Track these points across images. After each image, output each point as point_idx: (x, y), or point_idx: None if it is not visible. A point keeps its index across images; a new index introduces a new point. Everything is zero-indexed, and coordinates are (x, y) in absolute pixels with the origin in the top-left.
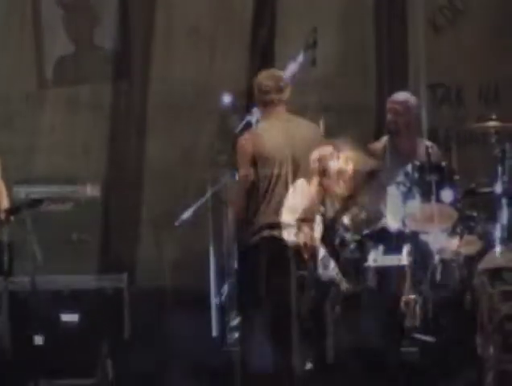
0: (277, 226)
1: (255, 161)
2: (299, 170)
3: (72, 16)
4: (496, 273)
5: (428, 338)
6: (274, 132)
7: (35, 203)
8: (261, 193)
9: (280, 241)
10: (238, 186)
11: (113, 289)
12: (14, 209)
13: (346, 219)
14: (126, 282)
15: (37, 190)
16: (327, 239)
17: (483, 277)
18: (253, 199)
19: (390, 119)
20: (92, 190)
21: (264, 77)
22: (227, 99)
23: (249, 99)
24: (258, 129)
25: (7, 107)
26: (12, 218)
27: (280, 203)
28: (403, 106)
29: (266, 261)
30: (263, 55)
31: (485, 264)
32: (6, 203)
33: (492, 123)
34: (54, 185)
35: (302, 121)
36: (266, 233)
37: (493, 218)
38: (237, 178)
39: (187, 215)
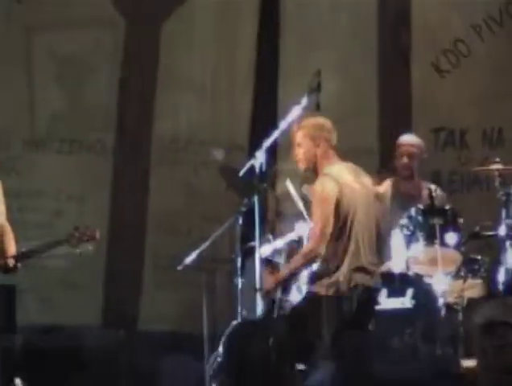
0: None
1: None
2: None
3: (65, 70)
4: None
5: None
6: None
7: (44, 249)
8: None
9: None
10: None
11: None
12: (21, 255)
13: None
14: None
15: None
16: None
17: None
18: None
19: (406, 163)
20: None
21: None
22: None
23: (251, 143)
24: (332, 173)
25: (8, 152)
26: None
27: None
28: (418, 149)
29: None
30: (267, 100)
31: (478, 317)
32: (13, 249)
33: (495, 166)
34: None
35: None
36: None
37: (497, 261)
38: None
39: (189, 259)
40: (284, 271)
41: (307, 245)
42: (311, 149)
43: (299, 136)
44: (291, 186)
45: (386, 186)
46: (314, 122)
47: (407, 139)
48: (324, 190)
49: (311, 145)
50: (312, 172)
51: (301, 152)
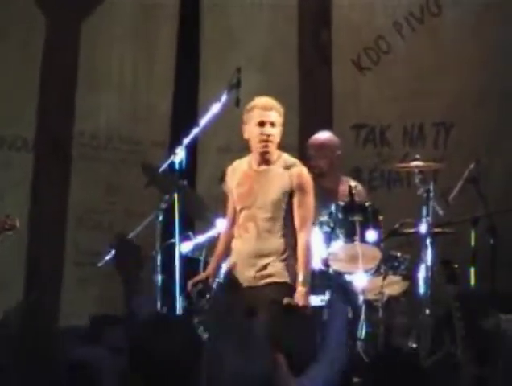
0: None
1: None
2: None
3: None
4: None
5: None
6: None
7: None
8: None
9: None
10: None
11: None
12: None
13: None
14: None
15: None
16: None
17: None
18: None
19: (313, 163)
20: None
21: None
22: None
23: (172, 140)
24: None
25: None
26: None
27: None
28: (325, 148)
29: None
30: (187, 97)
31: None
32: None
33: (415, 163)
34: None
35: None
36: None
37: (417, 258)
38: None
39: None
40: (306, 275)
41: (306, 237)
42: (280, 131)
43: (275, 116)
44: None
45: None
46: (279, 105)
47: (314, 139)
48: (310, 179)
49: (280, 129)
50: (265, 155)
51: (275, 132)
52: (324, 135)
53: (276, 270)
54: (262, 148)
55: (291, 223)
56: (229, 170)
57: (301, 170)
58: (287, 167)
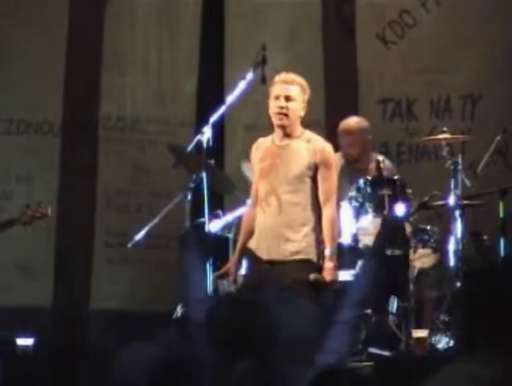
0: None
1: None
2: None
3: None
4: None
5: (384, 353)
6: None
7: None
8: None
9: None
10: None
11: None
12: None
13: None
14: None
15: None
16: None
17: None
18: None
19: (346, 152)
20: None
21: None
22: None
23: (198, 119)
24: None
25: None
26: None
27: None
28: (355, 136)
29: None
30: (213, 76)
31: None
32: None
33: (443, 136)
34: None
35: None
36: None
37: (447, 231)
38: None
39: (139, 236)
40: (333, 248)
41: (331, 210)
42: (301, 107)
43: (295, 90)
44: (247, 169)
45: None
46: (304, 82)
47: (345, 126)
48: (333, 154)
49: (301, 104)
50: (284, 129)
51: (292, 105)
52: (352, 122)
53: (300, 245)
54: (277, 120)
55: (314, 197)
56: (253, 148)
57: (324, 145)
58: (310, 142)
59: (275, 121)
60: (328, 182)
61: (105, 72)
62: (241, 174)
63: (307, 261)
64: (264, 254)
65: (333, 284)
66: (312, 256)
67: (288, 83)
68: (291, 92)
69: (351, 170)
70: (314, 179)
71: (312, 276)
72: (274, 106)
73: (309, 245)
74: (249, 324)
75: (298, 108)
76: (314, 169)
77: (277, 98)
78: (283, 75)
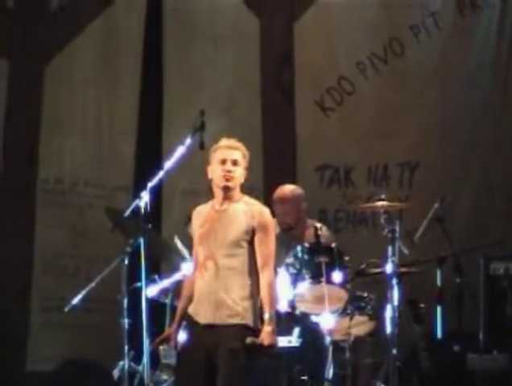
0: None
1: None
2: None
3: None
4: None
5: None
6: None
7: None
8: None
9: None
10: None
11: None
12: None
13: None
14: None
15: None
16: None
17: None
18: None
19: (281, 220)
20: None
21: None
22: None
23: (136, 184)
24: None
25: None
26: None
27: None
28: (290, 204)
29: None
30: (151, 140)
31: None
32: None
33: (381, 203)
34: None
35: None
36: None
37: (384, 298)
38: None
39: (76, 300)
40: (271, 313)
41: (269, 274)
42: (243, 173)
43: (238, 155)
44: (179, 242)
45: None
46: (244, 148)
47: (280, 194)
48: (271, 219)
49: (243, 170)
50: (227, 193)
51: (237, 170)
52: (287, 190)
53: (236, 310)
54: (223, 182)
55: (252, 261)
56: (194, 214)
57: (262, 209)
58: (249, 206)
59: (221, 183)
60: (266, 246)
61: (44, 135)
62: (179, 238)
63: (243, 326)
64: (202, 318)
65: (271, 348)
66: (249, 321)
67: (232, 148)
68: (235, 156)
69: (287, 237)
70: (252, 243)
71: (249, 339)
72: (220, 170)
73: (246, 310)
74: None
75: (241, 173)
76: (251, 233)
77: (223, 162)
78: (227, 141)
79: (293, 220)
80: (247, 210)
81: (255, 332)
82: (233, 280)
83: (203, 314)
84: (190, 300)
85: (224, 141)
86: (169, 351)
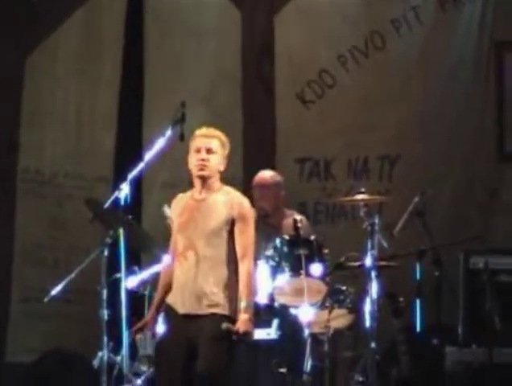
0: None
1: None
2: None
3: None
4: None
5: None
6: None
7: None
8: None
9: None
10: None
11: None
12: None
13: None
14: None
15: None
16: None
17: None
18: None
19: (258, 205)
20: None
21: None
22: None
23: (116, 175)
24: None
25: None
26: None
27: None
28: (269, 189)
29: None
30: (131, 132)
31: None
32: None
33: (360, 196)
34: None
35: None
36: None
37: (363, 291)
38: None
39: (55, 291)
40: (249, 301)
41: (248, 264)
42: (221, 162)
43: (215, 144)
44: (167, 211)
45: None
46: (224, 137)
47: (259, 179)
48: (251, 209)
49: (221, 158)
50: (204, 182)
51: (213, 159)
52: (267, 176)
53: (214, 300)
54: (197, 172)
55: (232, 251)
56: (173, 203)
57: (242, 200)
58: (229, 196)
59: (196, 172)
60: (246, 237)
61: (24, 126)
62: (158, 231)
63: (222, 316)
64: (180, 308)
65: (247, 335)
66: (227, 311)
67: (209, 137)
68: (211, 145)
69: (264, 225)
70: (231, 233)
71: (224, 325)
72: (194, 159)
73: (225, 300)
74: None
75: (218, 161)
76: (231, 223)
77: (198, 151)
78: (204, 130)
79: (271, 207)
80: (227, 200)
81: (234, 322)
82: (213, 270)
83: (182, 304)
84: (167, 289)
85: (202, 130)
86: (146, 341)
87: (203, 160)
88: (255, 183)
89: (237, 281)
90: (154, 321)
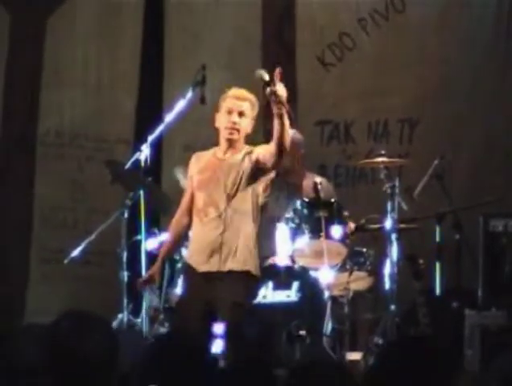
0: None
1: None
2: None
3: None
4: None
5: None
6: None
7: None
8: None
9: None
10: None
11: None
12: None
13: None
14: None
15: None
16: None
17: None
18: None
19: None
20: None
21: None
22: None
23: (137, 137)
24: None
25: None
26: None
27: None
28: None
29: None
30: (152, 94)
31: None
32: None
33: (380, 159)
34: None
35: None
36: None
37: (383, 254)
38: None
39: (75, 252)
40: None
41: None
42: (250, 124)
43: (247, 107)
44: (180, 175)
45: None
46: (254, 99)
47: None
48: None
49: (250, 120)
50: (232, 144)
51: (243, 122)
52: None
53: (239, 257)
54: (227, 135)
55: (255, 208)
56: (193, 158)
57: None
58: (248, 153)
59: (225, 135)
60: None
61: (44, 88)
62: (178, 193)
63: (246, 273)
64: (201, 266)
65: (279, 94)
66: (251, 267)
67: (241, 99)
68: (243, 108)
69: (284, 183)
70: (254, 188)
71: (258, 72)
72: (226, 120)
73: (250, 256)
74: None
75: (248, 124)
76: (255, 168)
77: (229, 112)
78: (236, 91)
79: (290, 162)
80: (246, 157)
81: (257, 279)
82: (235, 226)
83: (203, 262)
84: (176, 242)
85: (233, 91)
86: (153, 293)
87: (234, 123)
88: None
89: (258, 238)
90: (159, 272)
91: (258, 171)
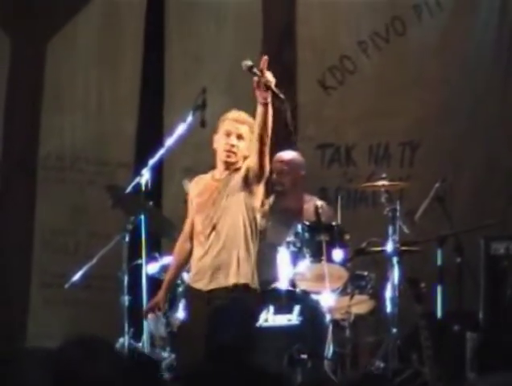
0: None
1: None
2: None
3: None
4: None
5: None
6: None
7: None
8: None
9: None
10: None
11: None
12: None
13: None
14: None
15: None
16: None
17: None
18: None
19: (276, 180)
20: None
21: None
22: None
23: (137, 161)
24: None
25: None
26: None
27: None
28: (288, 165)
29: None
30: (152, 118)
31: None
32: None
33: (381, 182)
34: None
35: None
36: None
37: (384, 277)
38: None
39: (76, 277)
40: None
41: None
42: (247, 147)
43: (245, 130)
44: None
45: (269, 202)
46: (253, 122)
47: (277, 156)
48: None
49: (248, 144)
50: (229, 166)
51: (241, 145)
52: (289, 153)
53: (239, 271)
54: (225, 157)
55: (254, 229)
56: (193, 182)
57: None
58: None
59: (223, 157)
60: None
61: (44, 111)
62: (179, 216)
63: (245, 287)
64: (203, 285)
65: (268, 80)
66: (249, 280)
67: (240, 122)
68: (241, 130)
69: (280, 208)
70: (247, 203)
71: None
72: (224, 143)
73: (246, 270)
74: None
75: (245, 147)
76: (247, 182)
77: (228, 135)
78: (235, 113)
79: (289, 183)
80: (236, 172)
81: (256, 293)
82: (233, 241)
83: (204, 282)
84: (180, 269)
85: (232, 113)
86: (157, 321)
87: (232, 146)
88: (275, 159)
89: (255, 250)
90: (165, 300)
91: (249, 181)
